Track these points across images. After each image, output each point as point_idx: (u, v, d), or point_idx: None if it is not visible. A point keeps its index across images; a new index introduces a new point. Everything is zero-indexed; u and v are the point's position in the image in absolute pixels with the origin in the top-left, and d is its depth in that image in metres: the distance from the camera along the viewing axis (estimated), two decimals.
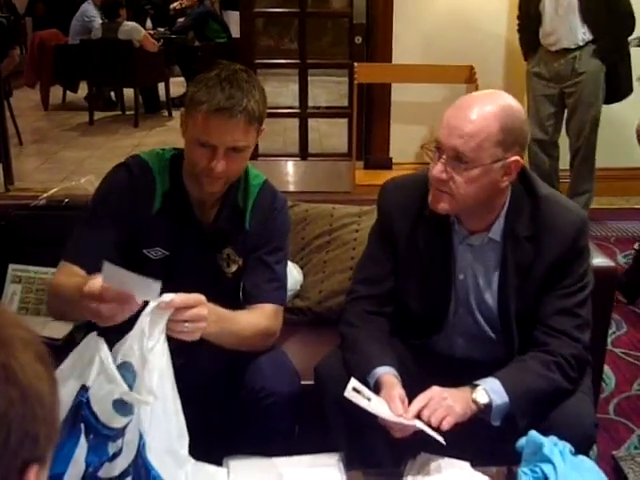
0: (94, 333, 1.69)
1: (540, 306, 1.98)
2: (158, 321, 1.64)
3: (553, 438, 1.68)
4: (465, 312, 2.06)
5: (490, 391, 1.85)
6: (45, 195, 2.80)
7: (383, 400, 1.85)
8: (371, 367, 1.93)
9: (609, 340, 3.39)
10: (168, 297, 1.67)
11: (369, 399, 1.83)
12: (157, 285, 1.60)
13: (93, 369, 1.63)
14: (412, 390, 1.89)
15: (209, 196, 2.07)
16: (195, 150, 1.96)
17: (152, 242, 2.06)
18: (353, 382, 1.85)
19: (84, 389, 1.63)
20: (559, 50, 4.60)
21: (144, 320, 1.64)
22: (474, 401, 1.84)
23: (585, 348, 1.97)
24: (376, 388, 1.90)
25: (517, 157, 1.90)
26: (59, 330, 2.49)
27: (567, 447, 1.67)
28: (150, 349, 1.62)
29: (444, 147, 1.88)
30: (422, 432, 1.81)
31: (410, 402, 1.85)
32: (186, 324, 1.71)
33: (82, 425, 1.61)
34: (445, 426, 1.79)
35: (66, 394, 1.61)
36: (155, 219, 2.06)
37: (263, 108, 1.98)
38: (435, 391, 1.84)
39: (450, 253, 2.03)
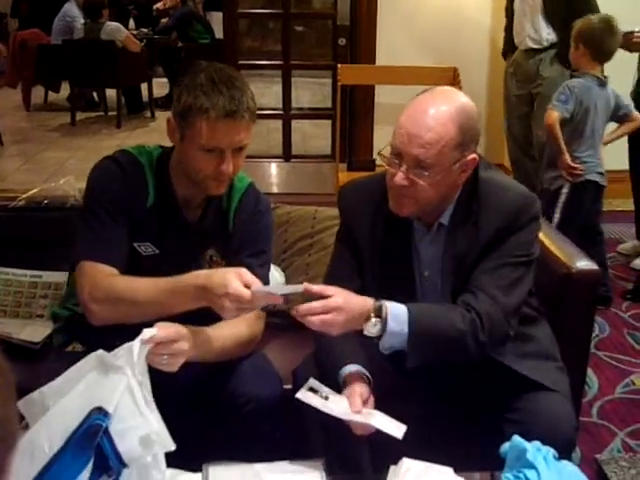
0: (116, 354, 1.63)
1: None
2: (141, 356, 1.64)
3: (537, 443, 1.67)
4: None
5: (392, 317, 1.82)
6: (24, 196, 2.77)
7: (344, 397, 1.84)
8: (339, 367, 1.91)
9: (592, 343, 3.38)
10: (150, 332, 1.68)
11: (326, 398, 1.83)
12: (300, 287, 1.78)
13: (116, 395, 1.57)
14: (385, 387, 1.89)
15: (196, 197, 2.06)
16: (200, 157, 1.93)
17: (144, 237, 2.04)
18: (310, 382, 1.86)
19: (102, 412, 1.56)
20: (527, 50, 4.60)
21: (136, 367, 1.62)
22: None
23: (504, 312, 1.90)
24: (344, 387, 1.89)
25: (474, 155, 1.92)
26: (37, 333, 2.46)
27: (551, 452, 1.66)
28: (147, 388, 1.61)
29: (404, 155, 1.87)
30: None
31: (390, 400, 1.84)
32: (165, 357, 1.72)
33: (94, 450, 1.55)
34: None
35: (74, 409, 1.57)
36: (149, 213, 2.04)
37: (255, 102, 1.97)
38: (337, 303, 1.78)
39: (412, 251, 2.03)
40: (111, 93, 8.22)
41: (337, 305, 1.78)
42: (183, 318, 1.82)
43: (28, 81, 8.41)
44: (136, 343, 1.63)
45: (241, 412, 1.96)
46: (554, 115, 3.77)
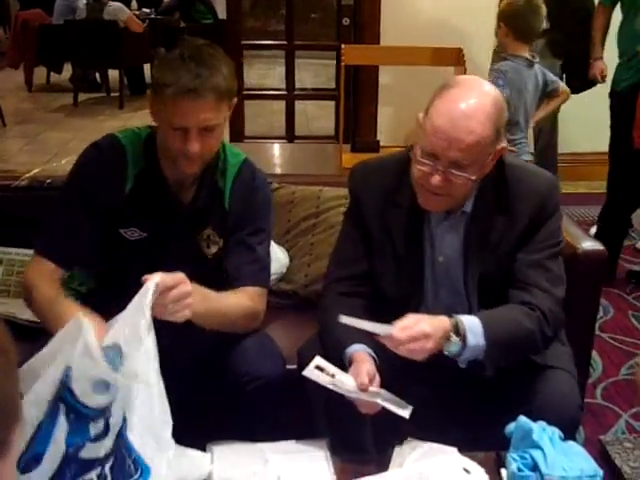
0: (80, 314, 1.67)
1: (512, 264, 1.95)
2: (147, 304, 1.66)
3: (542, 424, 1.67)
4: (448, 293, 2.04)
5: (469, 331, 1.81)
6: (26, 176, 2.75)
7: (350, 376, 1.83)
8: (344, 347, 1.90)
9: (596, 325, 3.37)
10: (155, 279, 1.68)
11: (333, 375, 1.82)
12: (390, 328, 1.75)
13: (77, 349, 1.60)
14: (390, 368, 1.88)
15: (187, 176, 2.03)
16: (168, 134, 1.91)
17: (127, 222, 2.02)
18: (317, 360, 1.84)
19: (68, 369, 1.60)
20: None
21: (142, 303, 1.64)
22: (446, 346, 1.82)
23: (559, 304, 1.93)
24: (350, 366, 1.88)
25: (503, 144, 1.90)
26: None
27: (556, 433, 1.66)
28: (147, 332, 1.62)
29: (441, 157, 1.82)
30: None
31: (389, 380, 1.84)
32: (170, 306, 1.71)
33: (61, 404, 1.59)
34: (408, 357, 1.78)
35: (52, 375, 1.60)
36: (128, 199, 2.02)
37: (232, 82, 1.92)
38: (424, 330, 1.77)
39: (424, 236, 2.01)
40: (113, 74, 8.20)
41: (425, 332, 1.77)
42: None
43: (30, 62, 8.39)
44: (150, 285, 1.66)
45: (244, 391, 1.96)
46: None
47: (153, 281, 1.68)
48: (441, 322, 1.82)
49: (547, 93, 3.88)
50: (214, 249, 2.09)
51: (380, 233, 2.03)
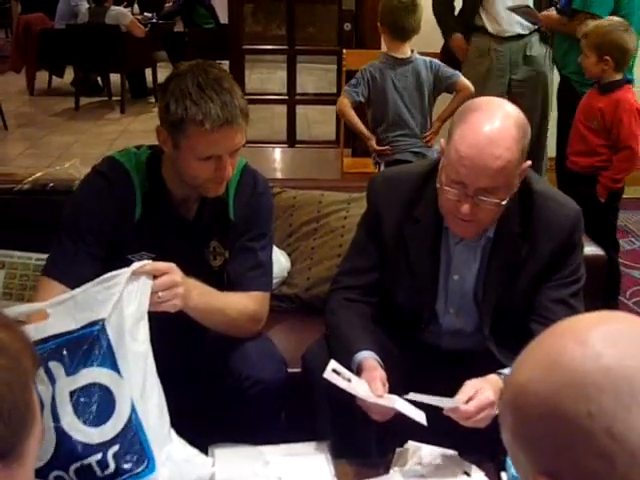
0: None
1: (534, 296, 1.95)
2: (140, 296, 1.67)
3: None
4: (459, 311, 2.04)
5: None
6: (29, 179, 2.76)
7: (364, 381, 1.84)
8: (352, 352, 1.91)
9: None
10: (140, 263, 1.69)
11: (349, 380, 1.83)
12: (455, 400, 1.77)
13: None
14: (395, 376, 1.89)
15: (192, 195, 2.02)
16: (197, 166, 1.89)
17: (137, 248, 1.99)
18: (333, 364, 1.85)
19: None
20: (512, 36, 4.28)
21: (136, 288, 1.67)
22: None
23: None
24: (358, 372, 1.89)
25: (528, 162, 1.87)
26: None
27: None
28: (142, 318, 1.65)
29: (468, 185, 1.79)
30: (402, 415, 1.80)
31: (394, 386, 1.84)
32: (160, 293, 1.71)
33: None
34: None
35: None
36: (138, 226, 2.00)
37: (244, 97, 1.92)
38: (490, 399, 1.76)
39: (440, 254, 2.00)
40: (115, 78, 8.20)
41: (490, 401, 1.76)
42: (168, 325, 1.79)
43: (32, 66, 8.38)
44: (136, 264, 1.68)
45: (246, 395, 1.96)
46: (344, 102, 3.72)
47: (141, 262, 1.68)
48: (497, 384, 1.80)
49: (447, 89, 3.82)
50: (220, 261, 2.08)
51: (396, 247, 2.02)
